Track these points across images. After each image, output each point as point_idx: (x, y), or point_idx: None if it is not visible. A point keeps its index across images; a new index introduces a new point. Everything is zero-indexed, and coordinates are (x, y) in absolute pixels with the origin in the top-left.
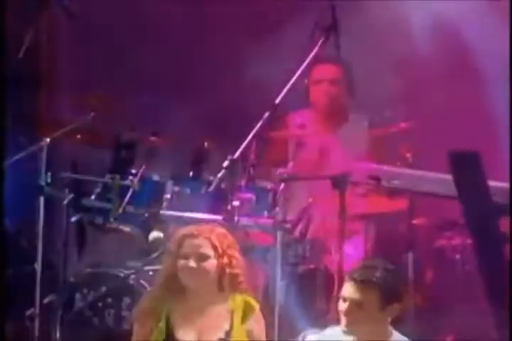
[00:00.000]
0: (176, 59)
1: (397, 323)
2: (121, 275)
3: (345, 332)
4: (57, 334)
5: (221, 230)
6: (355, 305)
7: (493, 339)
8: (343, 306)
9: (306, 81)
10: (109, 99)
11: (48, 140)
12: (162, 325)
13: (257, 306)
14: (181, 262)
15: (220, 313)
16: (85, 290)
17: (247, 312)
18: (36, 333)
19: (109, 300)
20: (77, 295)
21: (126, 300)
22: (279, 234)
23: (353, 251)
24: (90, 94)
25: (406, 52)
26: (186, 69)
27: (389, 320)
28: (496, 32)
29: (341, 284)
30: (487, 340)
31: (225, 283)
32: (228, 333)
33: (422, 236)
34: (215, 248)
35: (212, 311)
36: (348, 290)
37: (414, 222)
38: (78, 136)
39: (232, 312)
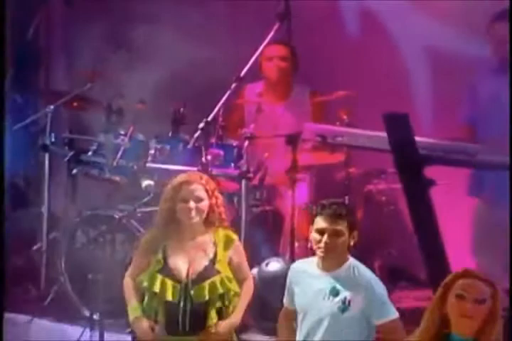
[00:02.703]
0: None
1: None
2: (116, 216)
3: (323, 262)
4: (62, 266)
5: (206, 177)
6: (334, 234)
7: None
8: (319, 237)
9: (259, 58)
10: (101, 72)
11: (52, 107)
12: (160, 256)
13: (236, 238)
14: (181, 205)
15: (206, 245)
16: (86, 229)
17: (227, 243)
18: (43, 265)
19: (107, 236)
20: (79, 233)
21: (120, 236)
22: (243, 182)
23: (300, 196)
24: (85, 69)
25: (340, 35)
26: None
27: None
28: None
29: (293, 221)
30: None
31: (212, 219)
32: (212, 260)
33: (356, 182)
34: (206, 191)
35: (200, 243)
36: (326, 222)
37: (350, 170)
38: (75, 104)
39: (215, 244)
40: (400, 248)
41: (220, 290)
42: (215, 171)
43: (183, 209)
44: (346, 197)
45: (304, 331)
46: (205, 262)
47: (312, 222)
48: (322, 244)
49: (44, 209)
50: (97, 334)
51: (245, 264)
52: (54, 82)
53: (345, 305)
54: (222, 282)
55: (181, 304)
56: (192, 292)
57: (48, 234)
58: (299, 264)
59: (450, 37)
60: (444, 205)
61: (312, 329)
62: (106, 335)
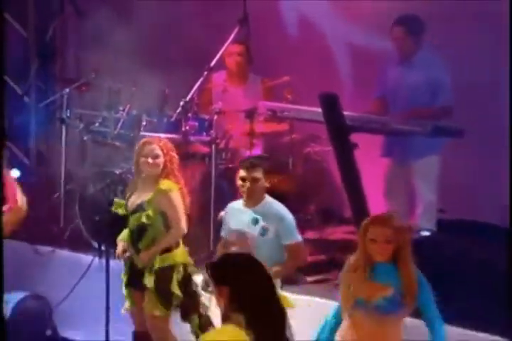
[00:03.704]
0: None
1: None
2: (117, 172)
3: (246, 201)
4: (76, 209)
5: (165, 140)
6: (252, 180)
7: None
8: (242, 183)
9: (223, 53)
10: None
11: (67, 90)
12: (128, 196)
13: (171, 190)
14: (142, 159)
15: (150, 190)
16: (94, 181)
17: (160, 191)
18: (62, 209)
19: (110, 187)
20: (89, 185)
21: (119, 187)
22: (213, 146)
23: None
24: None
25: (283, 34)
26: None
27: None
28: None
29: None
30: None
31: (166, 173)
32: (144, 201)
33: (297, 145)
34: (162, 150)
35: (149, 189)
36: (245, 172)
37: (293, 136)
38: (84, 88)
39: (158, 189)
40: (331, 194)
41: (141, 221)
42: (191, 138)
43: (143, 163)
44: (290, 158)
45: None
46: (139, 202)
47: None
48: (245, 189)
49: (62, 167)
50: (103, 260)
51: (173, 211)
52: (67, 71)
53: (263, 231)
54: (147, 216)
55: (129, 226)
56: (130, 218)
57: (64, 185)
58: (232, 204)
59: (365, 35)
60: (365, 162)
61: (240, 249)
62: (111, 262)
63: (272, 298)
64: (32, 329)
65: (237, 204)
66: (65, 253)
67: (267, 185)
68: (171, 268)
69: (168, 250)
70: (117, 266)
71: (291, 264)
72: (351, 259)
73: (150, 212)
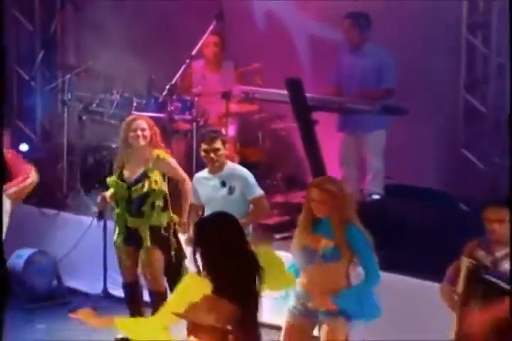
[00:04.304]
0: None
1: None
2: (112, 146)
3: (212, 169)
4: (78, 178)
5: (147, 117)
6: (214, 151)
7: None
8: (205, 154)
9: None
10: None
11: (68, 76)
12: (119, 169)
13: (166, 156)
14: (132, 133)
15: (145, 160)
16: (93, 154)
17: (158, 159)
18: (65, 177)
19: (107, 158)
20: (88, 156)
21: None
22: (194, 124)
23: (230, 132)
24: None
25: (253, 28)
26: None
27: None
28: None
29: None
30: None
31: (153, 143)
32: (145, 170)
33: (265, 123)
34: (148, 124)
35: (143, 159)
36: (206, 144)
37: (262, 115)
38: (83, 74)
39: (150, 159)
40: (295, 164)
41: (146, 189)
42: (176, 117)
43: (133, 136)
44: (259, 133)
45: (208, 212)
46: (140, 171)
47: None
48: (209, 159)
49: (64, 141)
50: (102, 222)
51: (176, 171)
52: (67, 60)
53: (231, 190)
54: (149, 185)
55: (127, 196)
56: (132, 188)
57: (67, 157)
58: (198, 175)
59: (322, 28)
60: (324, 136)
61: (213, 210)
62: (108, 223)
63: (239, 251)
64: (40, 280)
65: (203, 174)
66: (67, 215)
67: (226, 152)
68: (169, 224)
69: (166, 208)
70: (113, 226)
71: (257, 214)
72: (300, 216)
73: (156, 178)
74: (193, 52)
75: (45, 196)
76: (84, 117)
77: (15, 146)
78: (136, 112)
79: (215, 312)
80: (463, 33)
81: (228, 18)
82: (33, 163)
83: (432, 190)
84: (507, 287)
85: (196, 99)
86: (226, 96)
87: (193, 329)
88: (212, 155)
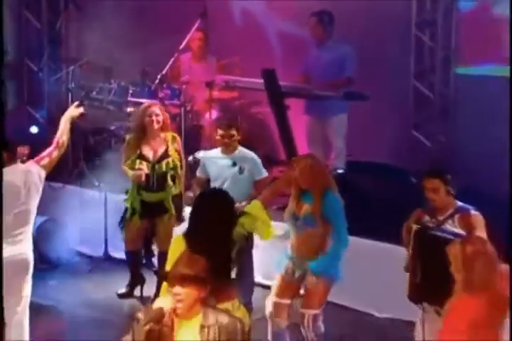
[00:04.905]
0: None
1: None
2: (111, 128)
3: (225, 151)
4: (81, 156)
5: (160, 104)
6: (229, 136)
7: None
8: (221, 139)
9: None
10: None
11: (72, 68)
12: (137, 149)
13: (177, 137)
14: (147, 118)
15: (162, 141)
16: (94, 135)
17: (173, 139)
18: (70, 155)
19: (107, 139)
20: (90, 137)
21: (113, 139)
22: (182, 109)
23: (213, 116)
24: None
25: (233, 25)
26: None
27: None
28: (270, 10)
29: (210, 130)
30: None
31: (165, 127)
32: (166, 149)
33: (244, 108)
34: (161, 110)
35: (159, 140)
36: (222, 130)
37: (241, 101)
38: (84, 66)
39: (166, 140)
40: (270, 143)
41: (171, 166)
42: (166, 102)
43: (149, 121)
44: (238, 116)
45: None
46: (162, 150)
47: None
48: (223, 143)
49: None
50: (102, 195)
51: (182, 154)
52: (71, 54)
53: (241, 170)
54: (173, 161)
55: (151, 174)
56: (156, 166)
57: (71, 138)
58: (209, 153)
59: (290, 25)
60: (294, 119)
61: (221, 185)
62: (108, 196)
63: (222, 225)
64: (51, 244)
65: (215, 153)
66: (72, 188)
67: (238, 138)
68: (181, 194)
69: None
70: (112, 198)
71: (256, 194)
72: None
73: (177, 156)
74: (181, 47)
75: (53, 172)
76: (85, 103)
77: (26, 129)
78: (131, 99)
79: (191, 265)
80: (412, 30)
81: (211, 16)
82: (42, 143)
83: (387, 165)
84: (451, 237)
85: (184, 87)
86: (209, 84)
87: (175, 280)
88: (226, 140)
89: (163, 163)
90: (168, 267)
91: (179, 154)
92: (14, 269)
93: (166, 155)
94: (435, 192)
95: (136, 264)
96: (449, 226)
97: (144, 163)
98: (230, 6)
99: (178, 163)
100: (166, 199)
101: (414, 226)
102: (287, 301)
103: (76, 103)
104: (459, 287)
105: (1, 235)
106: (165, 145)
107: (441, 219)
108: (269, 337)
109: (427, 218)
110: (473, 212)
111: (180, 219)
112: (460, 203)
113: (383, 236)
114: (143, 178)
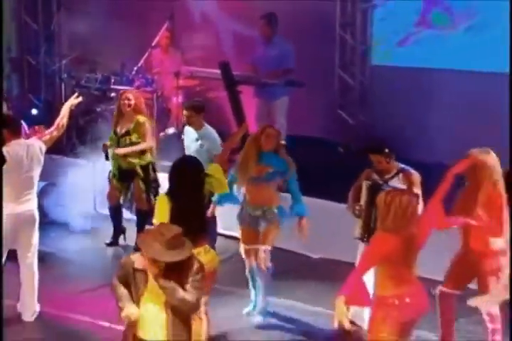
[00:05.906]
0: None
1: None
2: (98, 109)
3: (194, 127)
4: (74, 133)
5: (135, 91)
6: (192, 116)
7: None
8: (186, 118)
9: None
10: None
11: (64, 61)
12: (114, 127)
13: (145, 120)
14: (122, 102)
15: (130, 122)
16: (83, 116)
17: (138, 121)
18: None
19: (94, 119)
20: (80, 117)
21: (99, 120)
22: (154, 94)
23: (180, 100)
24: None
25: (193, 24)
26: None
27: None
28: (223, 11)
29: (178, 111)
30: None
31: (137, 110)
32: (131, 128)
33: (205, 92)
34: (134, 95)
35: (129, 121)
36: (187, 111)
37: (201, 87)
38: (74, 60)
39: (133, 121)
40: (224, 122)
41: (128, 142)
42: (141, 89)
43: (122, 104)
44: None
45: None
46: (127, 129)
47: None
48: (187, 121)
49: (62, 108)
50: (91, 163)
51: (143, 135)
52: (63, 49)
53: (201, 146)
54: (134, 137)
55: (117, 146)
56: (121, 140)
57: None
58: (188, 127)
59: (243, 24)
60: (246, 101)
61: (190, 153)
62: (95, 164)
63: (195, 185)
64: (50, 203)
65: (191, 128)
66: (67, 159)
67: (202, 117)
68: (150, 163)
69: (144, 153)
70: (102, 166)
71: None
72: (243, 154)
73: (135, 135)
74: (153, 44)
75: (53, 146)
76: (76, 90)
77: (27, 111)
78: (113, 86)
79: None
80: (337, 29)
81: (177, 17)
82: (40, 123)
83: (322, 138)
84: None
85: (156, 76)
86: (177, 74)
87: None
88: (191, 120)
89: (125, 139)
90: (155, 220)
91: (140, 134)
92: (24, 222)
93: (127, 133)
94: (379, 163)
95: (117, 217)
96: (394, 182)
97: (114, 137)
98: (191, 8)
99: (135, 141)
100: (135, 166)
101: (366, 183)
102: (253, 246)
103: (75, 95)
104: (378, 225)
105: (1, 236)
106: (131, 124)
107: (388, 177)
108: (247, 272)
109: (375, 176)
110: (412, 171)
111: (149, 185)
112: (402, 165)
113: (320, 194)
114: (103, 151)
